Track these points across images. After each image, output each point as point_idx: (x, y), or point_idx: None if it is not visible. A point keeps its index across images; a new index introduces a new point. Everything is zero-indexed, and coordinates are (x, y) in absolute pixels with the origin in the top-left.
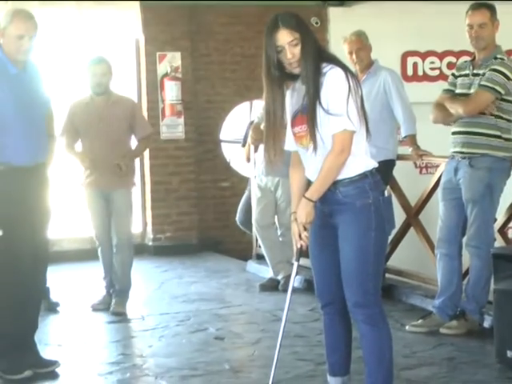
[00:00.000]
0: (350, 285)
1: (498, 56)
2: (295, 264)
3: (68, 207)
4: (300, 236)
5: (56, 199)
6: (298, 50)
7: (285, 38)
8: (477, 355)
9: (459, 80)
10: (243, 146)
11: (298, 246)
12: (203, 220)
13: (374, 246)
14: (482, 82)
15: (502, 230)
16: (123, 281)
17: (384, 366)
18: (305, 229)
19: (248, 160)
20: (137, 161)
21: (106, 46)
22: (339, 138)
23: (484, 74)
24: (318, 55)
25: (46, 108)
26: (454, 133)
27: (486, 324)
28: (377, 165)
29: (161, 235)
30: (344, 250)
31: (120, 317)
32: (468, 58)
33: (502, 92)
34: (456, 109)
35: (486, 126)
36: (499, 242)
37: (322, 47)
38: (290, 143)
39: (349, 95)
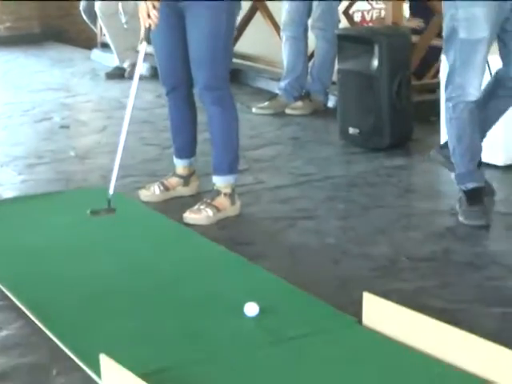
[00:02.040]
0: (200, 68)
1: None
2: (143, 44)
3: None
4: (149, 15)
5: None
6: None
7: None
8: (321, 133)
9: None
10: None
11: (147, 26)
12: (44, 9)
13: (225, 28)
14: None
15: (347, 12)
16: None
17: (231, 146)
18: (154, 7)
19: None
20: None
21: None
22: None
23: None
24: None
25: None
26: None
27: (331, 104)
28: None
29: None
30: (194, 33)
31: None
32: None
33: None
34: None
35: None
36: (344, 24)
37: None
38: None
39: None
